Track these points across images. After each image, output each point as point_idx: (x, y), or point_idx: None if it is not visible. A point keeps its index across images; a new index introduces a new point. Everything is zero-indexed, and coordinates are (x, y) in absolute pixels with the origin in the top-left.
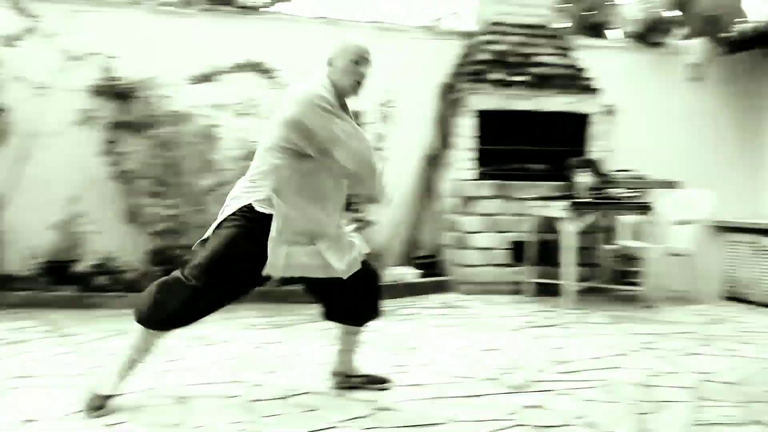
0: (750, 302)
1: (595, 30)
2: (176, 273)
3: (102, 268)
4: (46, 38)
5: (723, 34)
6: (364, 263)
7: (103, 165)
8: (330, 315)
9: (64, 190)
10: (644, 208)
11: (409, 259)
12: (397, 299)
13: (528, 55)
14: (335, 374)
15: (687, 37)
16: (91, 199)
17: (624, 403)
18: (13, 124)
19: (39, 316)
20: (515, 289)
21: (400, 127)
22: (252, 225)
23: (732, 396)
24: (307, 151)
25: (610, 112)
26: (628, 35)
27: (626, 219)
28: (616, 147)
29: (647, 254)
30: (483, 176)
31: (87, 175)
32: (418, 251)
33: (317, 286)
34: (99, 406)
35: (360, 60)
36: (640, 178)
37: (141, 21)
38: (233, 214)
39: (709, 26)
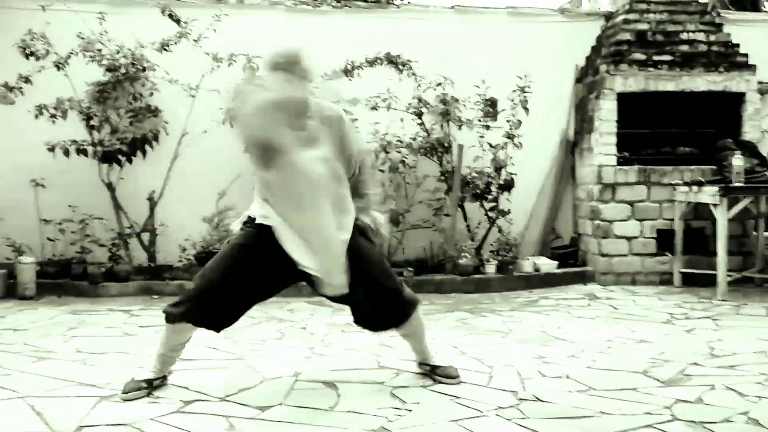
0: None
1: (750, 3)
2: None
3: None
4: (193, 42)
5: None
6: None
7: (248, 160)
8: (355, 320)
9: (213, 185)
10: None
11: (546, 249)
12: (535, 290)
13: (672, 33)
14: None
15: None
16: (239, 193)
17: None
18: (166, 124)
19: None
20: (661, 279)
21: (536, 112)
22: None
23: None
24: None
25: (765, 90)
26: None
27: None
28: None
29: None
30: (625, 161)
31: (234, 171)
32: (555, 241)
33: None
34: (134, 389)
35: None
36: None
37: (279, 21)
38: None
39: None
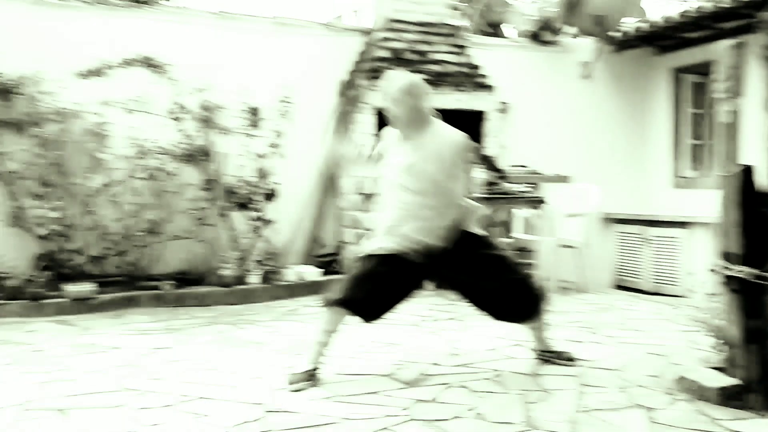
0: (637, 290)
1: (492, 28)
2: None
3: None
4: None
5: (610, 34)
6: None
7: None
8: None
9: None
10: (537, 202)
11: (310, 258)
12: (299, 298)
13: (424, 53)
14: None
15: (577, 36)
16: None
17: (513, 393)
18: None
19: None
20: None
21: (300, 122)
22: None
23: (613, 382)
24: None
25: (504, 109)
26: (522, 34)
27: (520, 212)
28: (510, 143)
29: (540, 246)
30: None
31: None
32: (319, 249)
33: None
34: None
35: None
36: (533, 173)
37: (25, 13)
38: None
39: (597, 26)
